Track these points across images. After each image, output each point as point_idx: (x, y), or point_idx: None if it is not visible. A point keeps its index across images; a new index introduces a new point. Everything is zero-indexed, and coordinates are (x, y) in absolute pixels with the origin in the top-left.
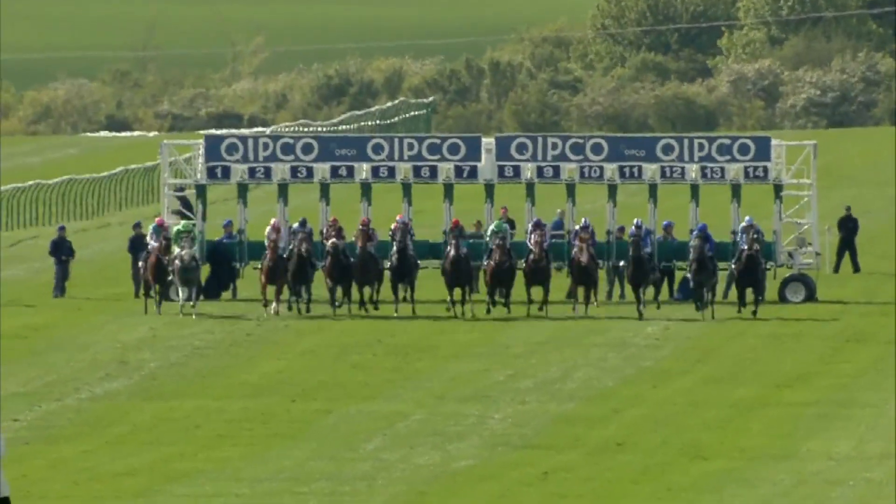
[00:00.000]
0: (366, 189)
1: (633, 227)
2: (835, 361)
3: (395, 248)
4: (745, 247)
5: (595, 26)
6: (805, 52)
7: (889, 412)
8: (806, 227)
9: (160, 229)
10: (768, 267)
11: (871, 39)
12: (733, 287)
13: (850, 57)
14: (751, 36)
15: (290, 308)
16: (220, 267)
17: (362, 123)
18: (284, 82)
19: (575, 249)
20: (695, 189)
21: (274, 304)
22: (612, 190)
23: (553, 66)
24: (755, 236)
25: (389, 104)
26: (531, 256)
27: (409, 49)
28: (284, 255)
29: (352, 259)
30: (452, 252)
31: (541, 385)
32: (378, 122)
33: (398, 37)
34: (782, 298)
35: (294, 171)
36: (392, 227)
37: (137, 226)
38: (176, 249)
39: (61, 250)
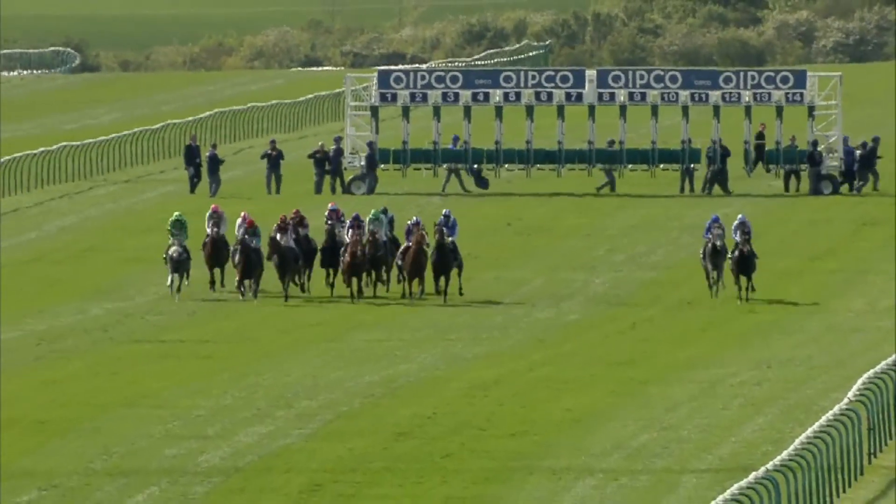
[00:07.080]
0: (498, 111)
1: (442, 216)
2: (855, 240)
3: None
4: (739, 241)
5: None
6: (833, 5)
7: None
8: (833, 138)
9: (215, 215)
10: (798, 167)
11: None
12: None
13: (867, 9)
14: None
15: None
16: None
17: (496, 60)
18: (438, 29)
19: (411, 241)
20: (748, 110)
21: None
22: (685, 111)
23: (641, 16)
24: (746, 236)
25: (517, 46)
26: (351, 250)
27: (532, 4)
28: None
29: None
30: (273, 251)
31: (631, 258)
32: (508, 59)
33: None
34: (816, 192)
35: (444, 96)
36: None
37: (193, 138)
38: (170, 240)
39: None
